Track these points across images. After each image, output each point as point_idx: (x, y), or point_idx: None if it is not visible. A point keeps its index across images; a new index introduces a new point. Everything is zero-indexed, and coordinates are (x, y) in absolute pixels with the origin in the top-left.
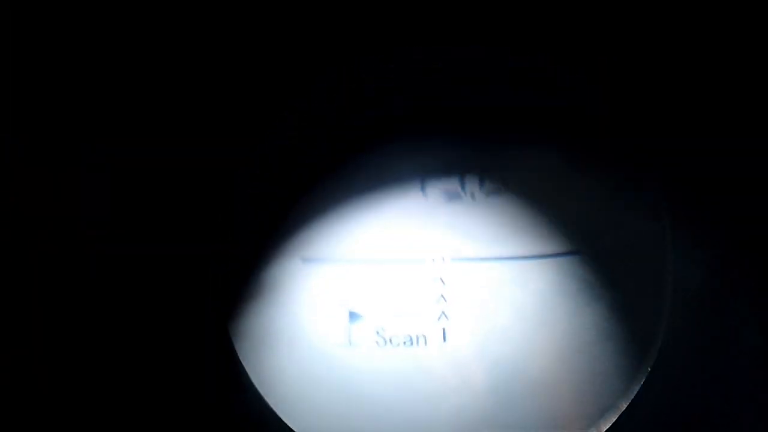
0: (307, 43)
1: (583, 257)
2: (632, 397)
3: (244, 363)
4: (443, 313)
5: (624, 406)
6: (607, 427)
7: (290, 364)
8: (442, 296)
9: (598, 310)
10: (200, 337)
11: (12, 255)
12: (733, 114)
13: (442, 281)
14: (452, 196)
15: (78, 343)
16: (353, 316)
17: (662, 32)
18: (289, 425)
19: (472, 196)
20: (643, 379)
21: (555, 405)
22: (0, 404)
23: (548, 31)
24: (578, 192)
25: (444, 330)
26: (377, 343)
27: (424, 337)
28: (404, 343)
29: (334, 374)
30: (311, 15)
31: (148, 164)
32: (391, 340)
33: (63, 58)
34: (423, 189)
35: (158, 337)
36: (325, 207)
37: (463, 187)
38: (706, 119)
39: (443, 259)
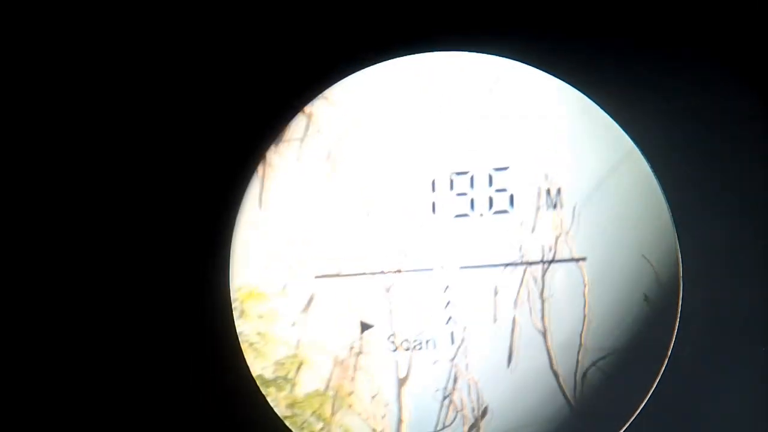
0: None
1: (590, 262)
2: (642, 405)
3: (257, 379)
4: (451, 317)
5: (634, 415)
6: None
7: (303, 375)
8: (449, 302)
9: (605, 315)
10: (215, 353)
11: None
12: None
13: (450, 288)
14: (461, 214)
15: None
16: (364, 325)
17: None
18: None
19: (480, 215)
20: (653, 388)
21: (562, 408)
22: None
23: None
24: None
25: (452, 333)
26: (388, 348)
27: (434, 341)
28: (414, 347)
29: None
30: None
31: (160, 177)
32: (402, 345)
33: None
34: (433, 209)
35: (174, 353)
36: (336, 225)
37: (472, 207)
38: None
39: (451, 267)
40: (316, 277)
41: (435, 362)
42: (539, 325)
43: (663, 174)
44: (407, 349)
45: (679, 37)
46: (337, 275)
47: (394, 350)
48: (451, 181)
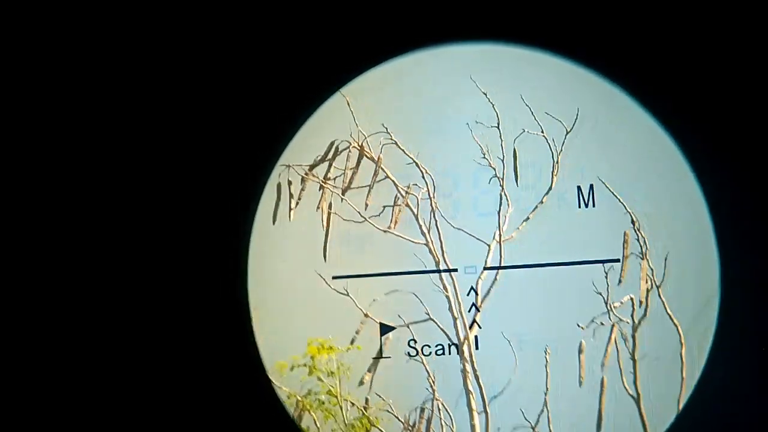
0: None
1: (623, 264)
2: (677, 411)
3: (271, 381)
4: (476, 321)
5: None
6: None
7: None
8: (474, 305)
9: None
10: (228, 357)
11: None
12: None
13: (475, 290)
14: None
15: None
16: (384, 328)
17: None
18: None
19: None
20: (689, 395)
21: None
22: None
23: None
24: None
25: (477, 338)
26: (409, 353)
27: (456, 346)
28: (436, 352)
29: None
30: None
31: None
32: (423, 350)
33: None
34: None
35: (185, 353)
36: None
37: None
38: None
39: (476, 268)
40: (334, 277)
41: None
42: (569, 328)
43: None
44: (428, 355)
45: None
46: (355, 276)
47: (416, 355)
48: None
